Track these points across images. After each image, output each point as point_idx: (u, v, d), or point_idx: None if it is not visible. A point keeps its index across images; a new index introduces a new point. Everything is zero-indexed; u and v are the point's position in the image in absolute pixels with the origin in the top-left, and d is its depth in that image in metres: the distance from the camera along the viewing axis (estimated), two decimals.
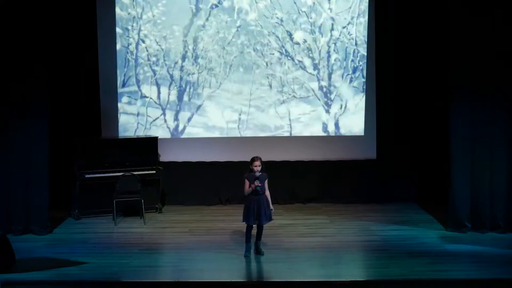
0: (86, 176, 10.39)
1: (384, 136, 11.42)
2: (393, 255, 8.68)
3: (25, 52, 9.45)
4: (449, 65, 9.70)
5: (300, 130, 11.46)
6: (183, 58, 11.37)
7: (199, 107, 11.43)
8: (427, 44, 11.17)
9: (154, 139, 11.01)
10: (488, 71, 9.46)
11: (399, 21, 11.19)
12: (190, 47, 11.38)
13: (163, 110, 11.43)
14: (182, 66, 11.39)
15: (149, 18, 11.21)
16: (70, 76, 11.10)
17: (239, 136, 11.40)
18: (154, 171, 10.78)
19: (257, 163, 8.48)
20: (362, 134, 11.47)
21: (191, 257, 8.65)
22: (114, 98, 11.24)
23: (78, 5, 10.95)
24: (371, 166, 11.43)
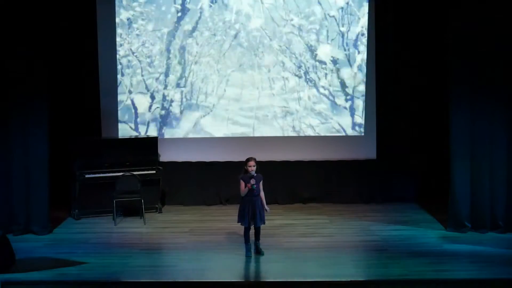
0: (86, 176, 10.39)
1: (384, 136, 11.42)
2: (393, 255, 8.68)
3: (25, 52, 9.45)
4: (449, 65, 9.70)
5: (300, 131, 11.45)
6: (169, 67, 10.99)
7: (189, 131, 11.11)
8: (427, 44, 11.18)
9: (154, 139, 11.00)
10: (488, 71, 9.46)
11: (399, 20, 11.17)
12: (177, 54, 10.92)
13: (138, 132, 11.18)
14: (166, 77, 10.88)
15: (133, 21, 11.04)
16: (70, 76, 11.10)
17: (239, 136, 11.39)
18: (154, 171, 10.77)
19: (252, 163, 8.50)
20: (362, 134, 11.47)
21: (191, 257, 8.65)
22: (114, 98, 11.24)
23: (78, 5, 10.96)
24: (371, 166, 11.43)
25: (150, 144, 10.93)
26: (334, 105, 11.28)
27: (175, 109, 11.16)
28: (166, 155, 11.22)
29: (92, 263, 8.35)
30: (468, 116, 9.54)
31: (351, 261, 8.61)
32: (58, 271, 8.07)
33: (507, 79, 9.47)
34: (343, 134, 11.38)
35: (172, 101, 11.12)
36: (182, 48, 11.09)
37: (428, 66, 11.23)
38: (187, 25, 10.99)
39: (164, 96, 11.17)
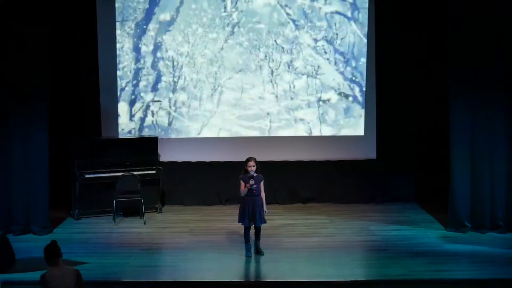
0: (86, 176, 10.39)
1: (384, 136, 11.41)
2: (393, 255, 8.67)
3: (25, 52, 9.44)
4: (449, 65, 9.69)
5: (300, 130, 11.45)
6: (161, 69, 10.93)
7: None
8: (427, 44, 11.18)
9: (154, 139, 11.00)
10: (488, 71, 9.46)
11: (399, 20, 11.18)
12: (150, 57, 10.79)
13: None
14: (139, 80, 10.77)
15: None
16: (70, 76, 11.12)
17: (239, 136, 11.38)
18: (154, 171, 10.77)
19: (251, 163, 8.50)
20: (362, 134, 11.45)
21: (191, 257, 8.65)
22: (114, 98, 11.23)
23: (78, 5, 10.96)
24: (371, 166, 11.42)
25: (150, 144, 10.93)
26: (334, 105, 11.30)
27: (164, 118, 11.16)
28: (166, 155, 11.22)
29: (92, 263, 8.35)
30: (468, 116, 9.54)
31: (351, 261, 8.61)
32: None
33: (507, 79, 9.46)
34: (343, 134, 11.38)
35: (164, 107, 11.18)
36: (176, 48, 11.11)
37: (428, 65, 11.22)
38: (179, 22, 10.99)
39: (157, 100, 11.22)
